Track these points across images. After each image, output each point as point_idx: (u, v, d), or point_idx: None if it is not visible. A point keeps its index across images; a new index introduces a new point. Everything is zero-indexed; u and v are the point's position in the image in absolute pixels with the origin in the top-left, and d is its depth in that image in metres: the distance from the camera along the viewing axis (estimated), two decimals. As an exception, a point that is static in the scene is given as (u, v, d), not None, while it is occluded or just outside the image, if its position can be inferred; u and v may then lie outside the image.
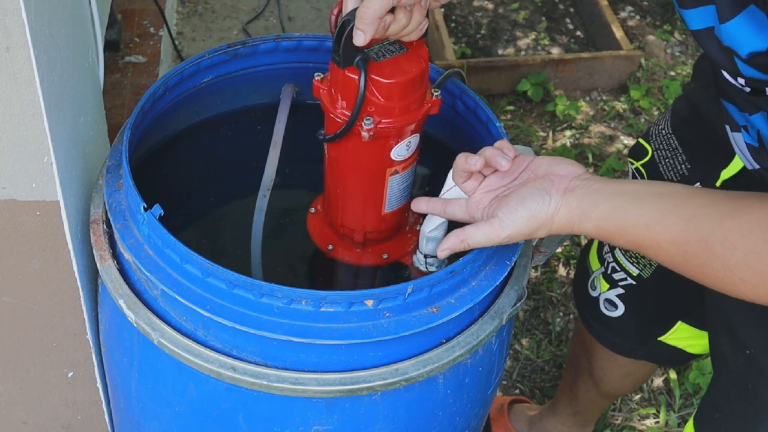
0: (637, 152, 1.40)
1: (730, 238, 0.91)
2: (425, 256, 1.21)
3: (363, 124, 1.09)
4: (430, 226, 1.16)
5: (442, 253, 1.09)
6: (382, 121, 1.10)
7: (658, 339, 1.53)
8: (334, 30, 1.06)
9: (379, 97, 1.08)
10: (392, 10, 1.04)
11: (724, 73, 1.00)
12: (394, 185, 1.20)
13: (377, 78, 1.07)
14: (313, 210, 1.32)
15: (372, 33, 1.02)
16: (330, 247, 1.28)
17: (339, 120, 1.11)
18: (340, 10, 1.06)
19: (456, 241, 1.07)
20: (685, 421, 2.02)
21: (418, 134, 1.16)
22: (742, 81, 0.99)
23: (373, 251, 1.28)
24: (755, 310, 1.19)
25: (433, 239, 1.18)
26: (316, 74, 1.14)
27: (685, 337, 1.51)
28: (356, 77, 1.06)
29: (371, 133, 1.10)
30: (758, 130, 1.02)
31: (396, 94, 1.08)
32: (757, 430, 1.26)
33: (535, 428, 1.89)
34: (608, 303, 1.52)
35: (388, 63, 1.08)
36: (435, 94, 1.15)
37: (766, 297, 0.92)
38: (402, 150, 1.15)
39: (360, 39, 1.02)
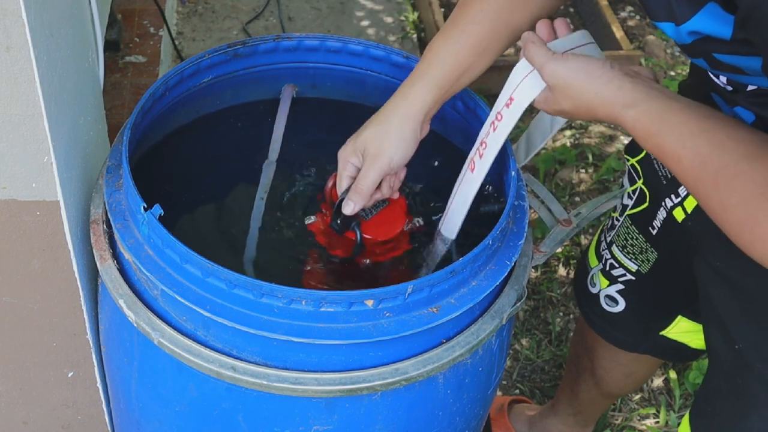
0: (633, 148, 1.41)
1: (737, 179, 0.91)
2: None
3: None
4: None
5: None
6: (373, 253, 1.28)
7: (661, 333, 1.53)
8: (328, 198, 1.26)
9: (372, 246, 1.26)
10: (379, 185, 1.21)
11: (709, 72, 1.05)
12: None
13: (370, 237, 1.25)
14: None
15: (361, 205, 1.20)
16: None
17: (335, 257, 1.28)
18: (335, 183, 1.24)
19: (528, 41, 1.16)
20: (685, 421, 2.02)
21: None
22: (723, 80, 1.05)
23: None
24: (745, 306, 1.20)
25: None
26: (306, 218, 1.30)
27: (687, 331, 1.51)
28: (353, 238, 1.24)
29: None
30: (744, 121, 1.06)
31: (384, 245, 1.27)
32: (746, 424, 1.27)
33: (535, 428, 1.89)
34: (609, 299, 1.52)
35: (376, 220, 1.26)
36: (418, 222, 1.31)
37: (749, 246, 0.92)
38: None
39: (349, 208, 1.20)
